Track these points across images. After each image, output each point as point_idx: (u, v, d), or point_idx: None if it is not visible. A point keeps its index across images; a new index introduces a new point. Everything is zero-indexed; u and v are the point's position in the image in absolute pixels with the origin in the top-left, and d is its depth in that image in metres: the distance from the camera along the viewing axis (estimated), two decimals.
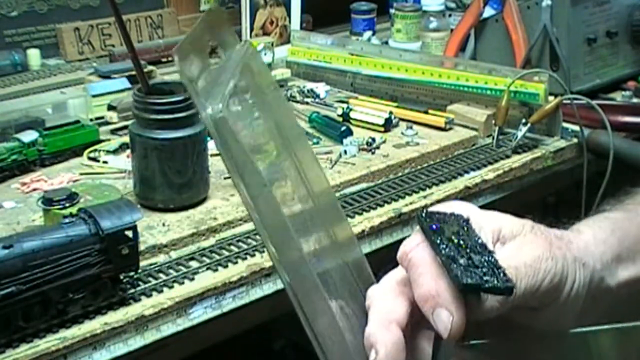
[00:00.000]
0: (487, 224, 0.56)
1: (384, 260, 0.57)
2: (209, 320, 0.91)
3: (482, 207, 0.60)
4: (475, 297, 0.50)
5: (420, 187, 1.17)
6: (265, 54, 1.69)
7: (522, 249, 0.56)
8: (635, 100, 1.54)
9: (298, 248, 0.50)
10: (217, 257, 0.97)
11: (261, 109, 0.55)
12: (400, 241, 0.53)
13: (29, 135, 1.20)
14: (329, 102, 1.46)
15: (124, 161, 1.22)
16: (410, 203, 1.13)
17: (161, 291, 0.89)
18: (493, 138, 1.31)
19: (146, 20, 1.88)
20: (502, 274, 0.49)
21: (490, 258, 0.51)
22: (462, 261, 0.49)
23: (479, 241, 0.52)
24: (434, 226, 0.52)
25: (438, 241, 0.50)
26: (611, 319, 0.61)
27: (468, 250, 0.51)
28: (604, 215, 0.65)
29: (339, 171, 1.19)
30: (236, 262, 0.96)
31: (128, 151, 1.17)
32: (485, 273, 0.49)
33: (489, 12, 1.60)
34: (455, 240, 0.51)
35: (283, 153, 0.55)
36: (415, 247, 0.52)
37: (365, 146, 1.26)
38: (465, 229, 0.53)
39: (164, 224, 1.03)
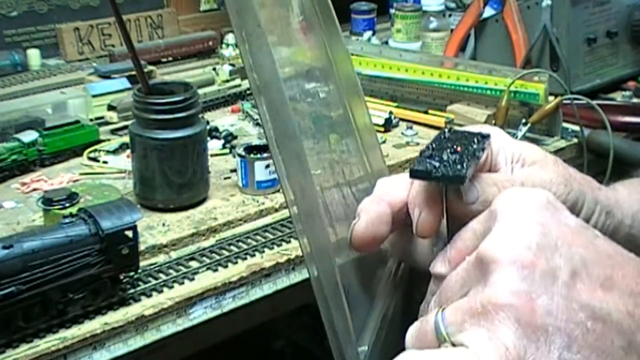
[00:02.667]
0: (510, 146, 0.58)
1: None
2: (209, 320, 0.91)
3: None
4: (454, 194, 0.51)
5: None
6: None
7: (537, 172, 0.57)
8: (635, 100, 1.54)
9: None
10: (217, 257, 0.97)
11: None
12: None
13: (29, 135, 1.20)
14: (329, 102, 1.46)
15: (124, 161, 1.22)
16: None
17: (161, 291, 0.89)
18: None
19: (146, 20, 1.88)
20: (460, 166, 0.49)
21: (462, 157, 0.50)
22: (436, 157, 0.50)
23: (472, 148, 0.52)
24: (446, 134, 0.53)
25: (435, 144, 0.51)
26: None
27: (452, 152, 0.51)
28: None
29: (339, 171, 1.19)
30: (236, 262, 0.96)
31: (128, 151, 1.17)
32: (445, 166, 0.49)
33: (489, 12, 1.60)
34: (450, 144, 0.52)
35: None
36: None
37: None
38: (475, 140, 0.53)
39: (164, 224, 1.03)
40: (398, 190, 0.55)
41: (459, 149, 0.51)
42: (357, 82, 0.68)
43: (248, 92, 1.55)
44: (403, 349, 0.48)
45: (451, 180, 0.49)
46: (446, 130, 0.54)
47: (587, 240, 0.45)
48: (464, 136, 0.53)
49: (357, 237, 0.54)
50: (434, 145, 0.51)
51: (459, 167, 0.49)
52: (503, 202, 0.47)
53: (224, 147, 1.29)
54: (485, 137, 0.54)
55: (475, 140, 0.53)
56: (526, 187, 0.52)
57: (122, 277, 0.87)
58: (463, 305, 0.44)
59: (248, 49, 0.48)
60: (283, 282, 0.97)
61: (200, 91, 1.10)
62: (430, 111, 1.38)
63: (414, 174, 0.49)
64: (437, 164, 0.49)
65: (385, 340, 0.55)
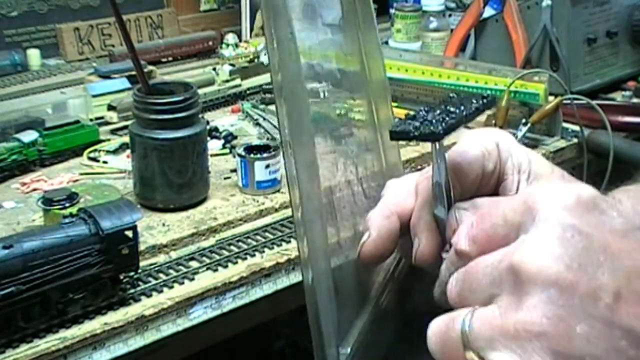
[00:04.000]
0: (518, 155, 0.58)
1: None
2: (209, 320, 0.91)
3: None
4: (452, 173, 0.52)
5: None
6: (265, 54, 1.69)
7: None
8: (635, 100, 1.54)
9: None
10: (217, 257, 0.97)
11: None
12: None
13: (29, 135, 1.20)
14: (329, 102, 1.46)
15: (124, 161, 1.22)
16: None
17: (161, 291, 0.89)
18: None
19: (146, 20, 1.88)
20: (439, 125, 0.49)
21: (448, 116, 0.50)
22: (421, 119, 0.50)
23: (466, 108, 0.52)
24: (451, 96, 0.54)
25: (432, 106, 0.51)
26: None
27: (441, 112, 0.51)
28: None
29: None
30: (236, 262, 0.96)
31: (128, 151, 1.17)
32: (425, 125, 0.49)
33: (489, 12, 1.60)
34: (445, 106, 0.52)
35: None
36: (425, 175, 0.54)
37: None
38: (474, 101, 0.53)
39: (164, 224, 1.03)
40: (406, 198, 0.55)
41: (452, 109, 0.51)
42: (386, 81, 0.70)
43: (248, 92, 1.56)
44: (393, 345, 0.48)
45: (426, 138, 0.49)
46: (452, 93, 0.54)
47: (633, 247, 0.42)
48: (466, 98, 0.53)
49: (366, 254, 0.55)
50: (427, 108, 0.51)
51: (438, 125, 0.49)
52: (543, 199, 0.44)
53: (224, 147, 1.29)
54: (485, 97, 0.53)
55: (474, 101, 0.53)
56: (568, 183, 0.50)
57: (122, 277, 0.86)
58: (495, 321, 0.41)
59: (277, 50, 0.49)
60: (283, 282, 0.97)
61: (200, 91, 1.10)
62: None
63: (392, 136, 0.50)
64: (418, 124, 0.49)
65: (371, 342, 0.55)
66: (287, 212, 1.06)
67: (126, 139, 1.16)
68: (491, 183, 0.58)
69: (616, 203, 0.51)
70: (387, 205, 0.55)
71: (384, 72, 0.72)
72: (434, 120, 0.50)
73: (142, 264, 0.90)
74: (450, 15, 1.84)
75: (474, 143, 0.59)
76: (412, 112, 0.51)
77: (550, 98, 1.31)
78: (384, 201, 0.56)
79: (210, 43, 1.80)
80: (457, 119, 0.51)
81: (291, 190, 0.48)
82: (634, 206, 0.59)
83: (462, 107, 0.52)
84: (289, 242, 1.00)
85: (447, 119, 0.50)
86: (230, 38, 1.68)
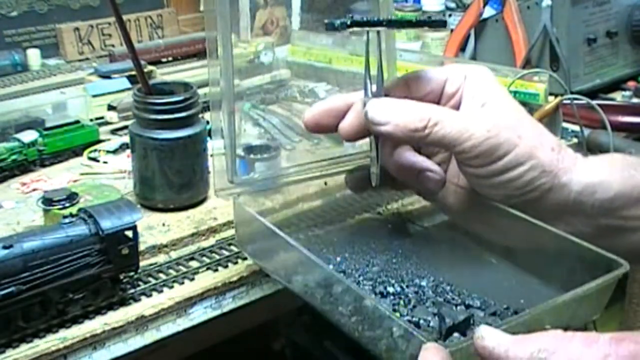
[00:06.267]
0: (481, 86, 0.75)
1: None
2: (209, 320, 0.91)
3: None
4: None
5: None
6: (265, 54, 1.69)
7: (476, 114, 0.72)
8: (635, 100, 1.54)
9: None
10: (217, 257, 0.97)
11: None
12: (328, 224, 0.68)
13: (29, 135, 1.20)
14: None
15: (124, 161, 1.22)
16: (410, 204, 1.13)
17: (161, 291, 0.89)
18: None
19: (146, 20, 1.88)
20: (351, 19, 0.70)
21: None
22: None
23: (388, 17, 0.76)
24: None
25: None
26: None
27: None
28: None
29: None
30: (236, 262, 0.96)
31: (128, 151, 1.17)
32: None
33: (489, 12, 1.61)
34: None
35: None
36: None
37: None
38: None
39: (164, 224, 1.03)
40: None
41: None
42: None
43: (248, 92, 1.55)
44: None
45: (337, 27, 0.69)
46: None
47: None
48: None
49: (307, 119, 0.78)
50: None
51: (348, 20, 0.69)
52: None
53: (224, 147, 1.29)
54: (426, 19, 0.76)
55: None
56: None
57: (122, 277, 0.86)
58: None
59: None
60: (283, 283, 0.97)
61: (200, 91, 1.10)
62: None
63: (327, 27, 0.69)
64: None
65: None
66: (287, 212, 1.06)
67: (126, 139, 1.16)
68: (451, 103, 0.75)
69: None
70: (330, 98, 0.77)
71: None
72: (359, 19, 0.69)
73: (142, 264, 0.90)
74: (450, 15, 1.85)
75: (442, 69, 0.77)
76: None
77: (550, 98, 1.31)
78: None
79: None
80: (380, 20, 0.69)
81: None
82: (603, 167, 0.74)
83: (390, 16, 0.77)
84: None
85: (368, 19, 0.69)
86: None
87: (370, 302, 0.63)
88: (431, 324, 0.64)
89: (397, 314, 0.65)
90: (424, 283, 0.72)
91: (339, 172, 0.89)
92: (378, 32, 0.73)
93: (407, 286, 0.71)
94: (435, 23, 0.74)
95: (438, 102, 0.76)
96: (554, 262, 0.71)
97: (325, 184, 0.90)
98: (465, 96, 0.74)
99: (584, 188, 0.71)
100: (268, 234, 0.76)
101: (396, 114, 0.70)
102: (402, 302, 0.68)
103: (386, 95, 0.74)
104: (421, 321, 0.64)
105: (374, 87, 0.74)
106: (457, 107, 0.75)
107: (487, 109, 0.72)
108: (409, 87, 0.77)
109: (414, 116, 0.70)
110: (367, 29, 0.71)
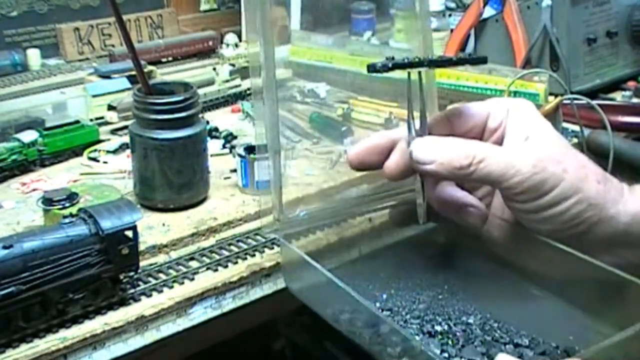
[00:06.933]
0: (523, 121, 0.73)
1: None
2: (209, 320, 0.91)
3: None
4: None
5: None
6: None
7: (517, 150, 0.71)
8: (635, 100, 1.54)
9: None
10: (217, 257, 0.97)
11: None
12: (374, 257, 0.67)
13: (29, 135, 1.20)
14: (329, 102, 1.46)
15: (124, 161, 1.22)
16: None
17: (161, 291, 0.89)
18: None
19: (146, 20, 1.88)
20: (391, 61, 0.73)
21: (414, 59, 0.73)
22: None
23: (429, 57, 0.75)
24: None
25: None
26: None
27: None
28: None
29: (339, 171, 1.19)
30: (236, 262, 0.96)
31: (128, 151, 1.17)
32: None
33: (489, 12, 1.60)
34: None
35: None
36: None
37: None
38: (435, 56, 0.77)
39: (164, 224, 1.03)
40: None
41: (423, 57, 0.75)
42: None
43: (248, 92, 1.55)
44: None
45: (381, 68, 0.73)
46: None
47: None
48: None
49: (350, 158, 0.79)
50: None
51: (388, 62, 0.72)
52: None
53: (224, 147, 1.29)
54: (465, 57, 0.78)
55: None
56: None
57: (122, 277, 0.86)
58: None
59: None
60: (283, 282, 0.97)
61: (200, 91, 1.10)
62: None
63: (368, 69, 0.73)
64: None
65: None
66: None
67: (126, 139, 1.16)
68: (494, 138, 0.75)
69: None
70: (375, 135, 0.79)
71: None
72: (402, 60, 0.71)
73: (142, 264, 0.90)
74: (450, 15, 1.84)
75: (484, 104, 0.77)
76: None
77: (550, 98, 1.31)
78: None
79: (210, 43, 1.80)
80: (421, 60, 0.72)
81: None
82: None
83: (430, 56, 0.76)
84: (289, 242, 1.00)
85: (410, 60, 0.71)
86: (230, 38, 1.68)
87: (418, 344, 0.63)
88: None
89: (446, 355, 0.66)
90: (471, 320, 0.71)
91: (384, 207, 0.90)
92: (419, 72, 0.74)
93: (454, 324, 0.71)
94: (476, 60, 0.75)
95: (481, 137, 0.76)
96: (602, 296, 0.70)
97: (370, 220, 0.90)
98: (509, 130, 0.73)
99: (632, 219, 0.70)
100: (313, 272, 0.76)
101: (441, 153, 0.70)
102: (450, 341, 0.68)
103: (429, 133, 0.74)
104: None
105: (417, 124, 0.75)
106: (500, 141, 0.74)
107: (531, 142, 0.71)
108: (451, 123, 0.77)
109: (459, 154, 0.69)
110: (408, 70, 0.73)
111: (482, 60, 0.76)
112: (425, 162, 0.71)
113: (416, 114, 0.75)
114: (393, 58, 0.70)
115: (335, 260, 0.83)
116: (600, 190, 0.70)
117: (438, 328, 0.70)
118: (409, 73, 0.75)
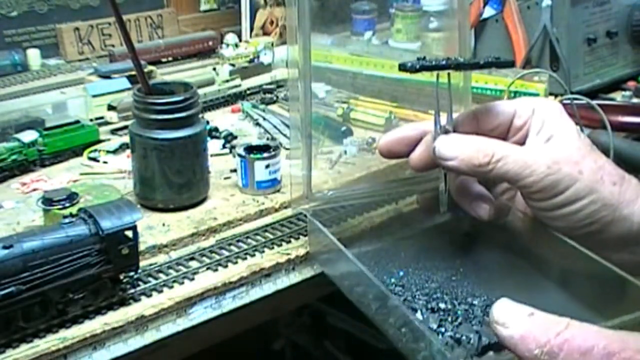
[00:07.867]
0: (548, 120, 0.77)
1: None
2: (209, 320, 0.91)
3: None
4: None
5: None
6: (265, 54, 1.69)
7: (537, 149, 0.75)
8: (635, 100, 1.54)
9: None
10: (217, 257, 0.97)
11: None
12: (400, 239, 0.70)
13: (29, 135, 1.20)
14: (329, 102, 1.46)
15: (124, 161, 1.22)
16: (410, 204, 1.13)
17: (161, 291, 0.89)
18: None
19: (146, 20, 1.88)
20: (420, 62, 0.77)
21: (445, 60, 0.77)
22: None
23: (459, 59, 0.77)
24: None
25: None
26: None
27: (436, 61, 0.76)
28: None
29: (339, 171, 1.19)
30: (236, 262, 0.96)
31: (128, 151, 1.17)
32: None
33: (489, 12, 1.61)
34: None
35: None
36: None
37: (366, 146, 1.26)
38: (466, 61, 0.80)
39: (164, 224, 1.03)
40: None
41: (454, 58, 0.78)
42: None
43: (248, 92, 1.56)
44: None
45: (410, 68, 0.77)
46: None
47: None
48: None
49: (380, 146, 0.84)
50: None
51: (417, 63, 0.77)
52: None
53: (224, 147, 1.29)
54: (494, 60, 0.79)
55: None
56: None
57: (122, 277, 0.87)
58: None
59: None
60: (283, 282, 0.97)
61: (200, 91, 1.10)
62: (430, 111, 1.38)
63: (400, 68, 0.77)
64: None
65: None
66: (287, 212, 1.07)
67: (126, 139, 1.16)
68: (518, 136, 0.78)
69: None
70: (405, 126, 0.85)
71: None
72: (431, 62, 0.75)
73: (142, 264, 0.90)
74: None
75: (511, 102, 0.81)
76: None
77: (550, 98, 1.31)
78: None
79: (210, 43, 1.80)
80: (448, 63, 0.76)
81: None
82: None
83: (461, 59, 0.78)
84: (289, 242, 1.00)
85: (438, 62, 0.76)
86: (230, 38, 1.68)
87: (416, 318, 0.68)
88: (471, 341, 0.68)
89: (442, 329, 0.70)
90: (475, 302, 0.75)
91: (409, 192, 0.95)
92: (448, 73, 0.80)
93: (459, 304, 0.75)
94: (503, 63, 0.79)
95: (506, 135, 0.80)
96: (605, 295, 0.73)
97: (396, 203, 0.97)
98: (532, 130, 0.77)
99: None
100: (334, 248, 0.83)
101: (462, 150, 0.75)
102: (449, 318, 0.72)
103: (455, 130, 0.79)
104: (463, 337, 0.68)
105: (443, 120, 0.80)
106: (523, 140, 0.78)
107: (551, 144, 0.75)
108: (478, 120, 0.81)
109: (479, 152, 0.74)
110: (436, 72, 0.79)
111: (510, 64, 0.80)
112: (447, 159, 0.75)
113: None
114: (424, 58, 0.73)
115: (366, 242, 0.90)
116: (615, 191, 0.73)
117: (442, 305, 0.74)
118: (437, 74, 0.80)
